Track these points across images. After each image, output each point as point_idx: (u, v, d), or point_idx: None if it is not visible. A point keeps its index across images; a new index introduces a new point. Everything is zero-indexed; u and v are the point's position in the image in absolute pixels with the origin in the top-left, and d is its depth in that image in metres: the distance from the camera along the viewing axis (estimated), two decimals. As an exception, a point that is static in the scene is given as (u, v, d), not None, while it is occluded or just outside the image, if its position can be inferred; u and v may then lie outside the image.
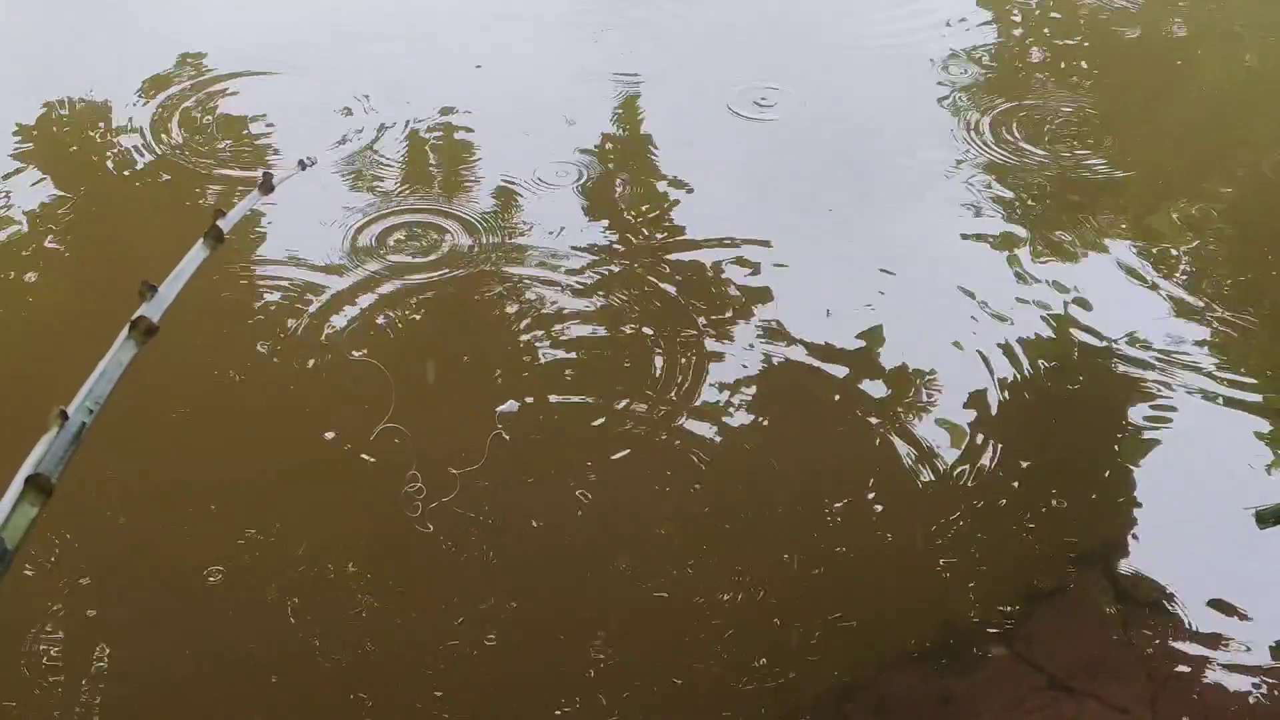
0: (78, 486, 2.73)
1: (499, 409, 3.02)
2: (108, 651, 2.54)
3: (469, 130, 4.03)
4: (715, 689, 2.49)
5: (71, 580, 2.66)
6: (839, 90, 4.26)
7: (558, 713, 2.44)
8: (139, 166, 3.82)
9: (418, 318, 3.30)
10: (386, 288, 3.36)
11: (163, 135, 3.94)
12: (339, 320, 3.26)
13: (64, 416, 1.14)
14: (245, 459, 2.95)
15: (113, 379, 1.25)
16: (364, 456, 2.91)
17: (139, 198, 3.74)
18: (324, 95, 4.15)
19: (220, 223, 1.67)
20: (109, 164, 3.84)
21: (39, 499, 1.05)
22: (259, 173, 3.41)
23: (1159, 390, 3.11)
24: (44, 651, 2.52)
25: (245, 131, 3.98)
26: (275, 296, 3.35)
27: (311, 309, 3.29)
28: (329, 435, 2.96)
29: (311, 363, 3.15)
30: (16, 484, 1.05)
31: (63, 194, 3.71)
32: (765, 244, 3.54)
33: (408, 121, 4.04)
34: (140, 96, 4.11)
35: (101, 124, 4.00)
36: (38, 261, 3.48)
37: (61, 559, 2.69)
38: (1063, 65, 4.38)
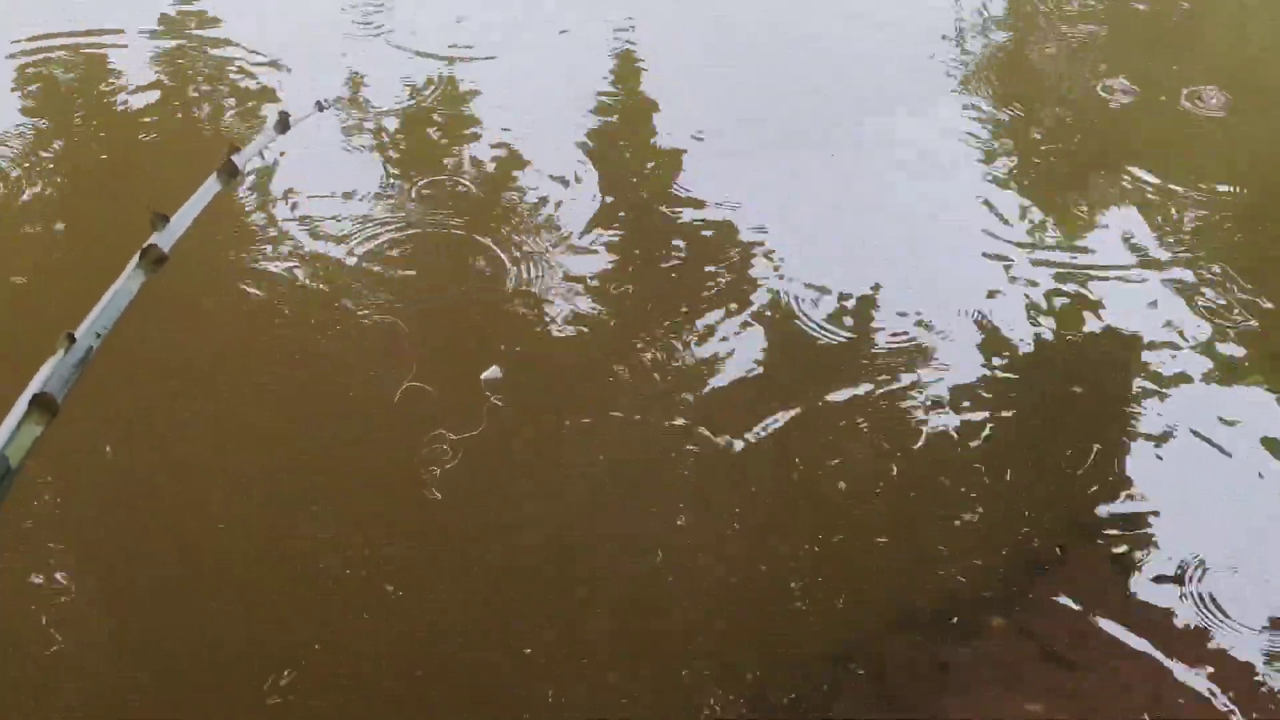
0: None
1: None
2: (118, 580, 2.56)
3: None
4: (711, 653, 2.49)
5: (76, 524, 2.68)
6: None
7: (556, 686, 2.45)
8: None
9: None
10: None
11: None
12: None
13: (71, 339, 1.15)
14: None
15: (121, 306, 1.25)
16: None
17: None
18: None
19: (235, 158, 1.66)
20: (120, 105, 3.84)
21: (44, 419, 1.05)
22: (275, 111, 3.40)
23: (1164, 361, 3.10)
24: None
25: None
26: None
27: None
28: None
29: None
30: (22, 403, 1.05)
31: (81, 127, 3.71)
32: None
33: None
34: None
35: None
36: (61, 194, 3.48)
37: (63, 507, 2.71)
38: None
